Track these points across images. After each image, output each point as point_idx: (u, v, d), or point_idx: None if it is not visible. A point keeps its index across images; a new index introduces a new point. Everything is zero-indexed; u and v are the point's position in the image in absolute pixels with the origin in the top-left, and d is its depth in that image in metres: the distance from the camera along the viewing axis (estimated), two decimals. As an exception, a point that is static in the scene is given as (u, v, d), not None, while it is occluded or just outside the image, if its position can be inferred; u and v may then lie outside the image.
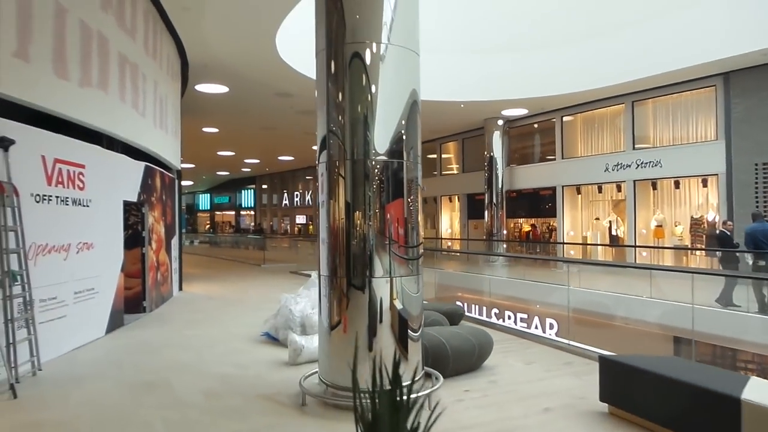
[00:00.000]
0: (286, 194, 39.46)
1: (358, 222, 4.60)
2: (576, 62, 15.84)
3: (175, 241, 12.08)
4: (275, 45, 11.95)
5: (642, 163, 16.17)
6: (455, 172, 24.05)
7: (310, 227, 38.35)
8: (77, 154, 6.83)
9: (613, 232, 17.56)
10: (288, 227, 40.35)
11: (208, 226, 50.02)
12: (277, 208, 40.93)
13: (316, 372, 4.98)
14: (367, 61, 4.63)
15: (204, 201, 52.95)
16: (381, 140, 4.64)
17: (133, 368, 5.83)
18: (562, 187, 18.64)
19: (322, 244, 4.83)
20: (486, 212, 20.15)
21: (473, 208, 22.86)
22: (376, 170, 4.61)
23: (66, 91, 6.48)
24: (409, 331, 4.66)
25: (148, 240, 9.52)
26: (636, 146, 16.54)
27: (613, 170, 16.87)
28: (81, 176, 6.88)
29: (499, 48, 16.50)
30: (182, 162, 31.43)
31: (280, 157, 30.84)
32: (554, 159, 19.03)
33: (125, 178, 8.57)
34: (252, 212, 45.26)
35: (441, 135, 23.64)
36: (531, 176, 19.85)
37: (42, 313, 5.97)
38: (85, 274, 6.97)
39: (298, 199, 38.13)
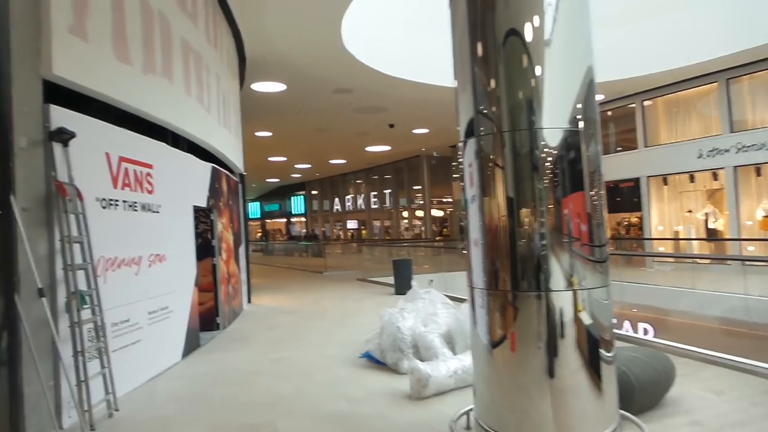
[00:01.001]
0: (337, 199, 38.63)
1: (526, 219, 3.45)
2: (659, 39, 14.26)
3: (242, 251, 11.16)
4: (340, 33, 10.94)
5: (744, 146, 14.44)
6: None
7: (363, 232, 37.40)
8: (144, 153, 5.88)
9: (710, 225, 15.83)
10: (340, 233, 39.52)
11: (259, 234, 49.74)
12: (328, 213, 40.15)
13: (469, 411, 3.82)
14: (528, 37, 3.50)
15: (254, 209, 52.74)
16: (552, 120, 3.51)
17: (226, 405, 4.79)
18: (647, 177, 17.01)
19: (475, 246, 3.68)
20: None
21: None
22: (548, 161, 3.47)
23: (129, 77, 5.54)
24: (601, 350, 3.46)
25: (218, 249, 8.59)
26: (734, 129, 14.82)
27: (708, 156, 15.17)
28: (149, 178, 5.94)
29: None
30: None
31: (331, 161, 29.99)
32: (636, 148, 17.41)
33: (194, 181, 7.63)
34: (303, 219, 44.67)
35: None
36: (609, 167, 18.19)
37: (114, 340, 5.01)
38: (158, 291, 6.01)
39: (350, 203, 37.24)
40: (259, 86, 14.08)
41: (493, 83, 3.59)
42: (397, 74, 13.66)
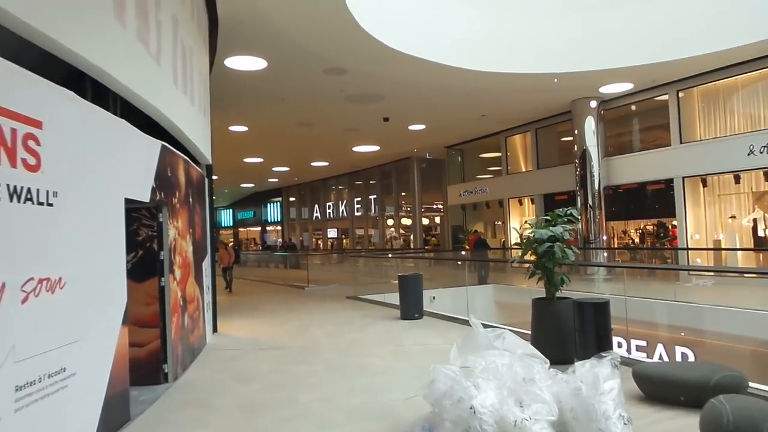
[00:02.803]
0: (317, 206, 35.91)
1: None
2: (704, 15, 12.15)
3: (207, 265, 8.53)
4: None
5: (806, 141, 12.35)
6: (527, 169, 20.33)
7: (345, 241, 34.75)
8: (26, 100, 3.28)
9: (759, 233, 13.70)
10: (320, 242, 36.81)
11: (231, 243, 46.62)
12: (307, 221, 37.37)
13: None
14: None
15: (226, 217, 49.64)
16: None
17: None
18: (682, 178, 14.79)
19: None
20: (580, 215, 16.39)
21: (552, 210, 19.04)
22: None
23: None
24: None
25: (168, 265, 5.96)
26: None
27: (761, 153, 13.01)
28: (33, 143, 3.33)
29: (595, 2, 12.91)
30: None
31: (313, 163, 27.36)
32: (668, 145, 15.20)
33: (129, 162, 4.99)
34: (279, 227, 41.80)
35: (507, 126, 19.98)
36: (636, 168, 16.00)
37: None
38: (43, 344, 3.38)
39: (330, 210, 34.58)
40: (235, 62, 11.52)
41: None
42: (405, 49, 11.23)
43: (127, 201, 4.77)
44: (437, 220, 30.05)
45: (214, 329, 8.99)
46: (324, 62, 11.77)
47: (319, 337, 8.28)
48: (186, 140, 6.99)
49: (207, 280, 8.50)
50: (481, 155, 23.87)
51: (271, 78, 12.61)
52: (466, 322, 9.17)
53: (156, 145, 5.67)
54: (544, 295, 6.29)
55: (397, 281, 10.37)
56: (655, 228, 17.70)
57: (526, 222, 6.69)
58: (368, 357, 6.80)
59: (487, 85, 14.08)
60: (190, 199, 7.22)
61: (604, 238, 16.22)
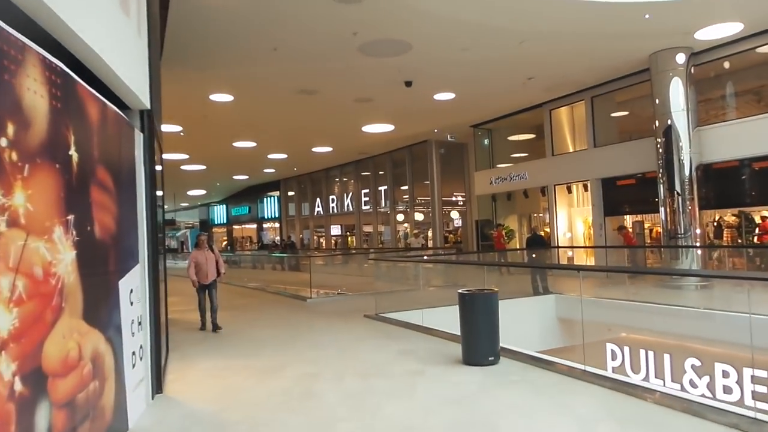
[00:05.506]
0: (319, 201, 32.11)
1: None
2: None
3: (135, 282, 4.80)
4: None
5: None
6: (579, 147, 16.56)
7: (350, 239, 31.02)
8: None
9: None
10: (322, 241, 33.07)
11: (225, 242, 42.80)
12: (308, 218, 33.55)
13: None
14: None
15: (220, 214, 45.86)
16: None
17: None
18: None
19: None
20: (663, 204, 12.66)
21: (612, 199, 15.38)
22: None
23: None
24: None
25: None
26: None
27: None
28: None
29: None
30: (189, 162, 24.12)
31: (314, 149, 23.58)
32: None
33: None
34: (277, 224, 38.01)
35: (555, 95, 16.21)
36: (736, 140, 12.22)
37: None
38: None
39: (334, 205, 30.78)
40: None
41: None
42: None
43: None
44: (453, 214, 26.23)
45: (157, 389, 5.30)
46: (333, -21, 8.07)
47: (336, 414, 4.56)
48: (66, 33, 3.27)
49: (137, 309, 4.80)
50: (510, 137, 20.22)
51: (257, 13, 8.87)
52: (581, 375, 5.46)
53: None
54: None
55: (432, 289, 6.71)
56: (737, 220, 14.06)
57: None
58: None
59: (551, 24, 10.36)
60: (74, 154, 3.49)
61: (698, 231, 12.48)
